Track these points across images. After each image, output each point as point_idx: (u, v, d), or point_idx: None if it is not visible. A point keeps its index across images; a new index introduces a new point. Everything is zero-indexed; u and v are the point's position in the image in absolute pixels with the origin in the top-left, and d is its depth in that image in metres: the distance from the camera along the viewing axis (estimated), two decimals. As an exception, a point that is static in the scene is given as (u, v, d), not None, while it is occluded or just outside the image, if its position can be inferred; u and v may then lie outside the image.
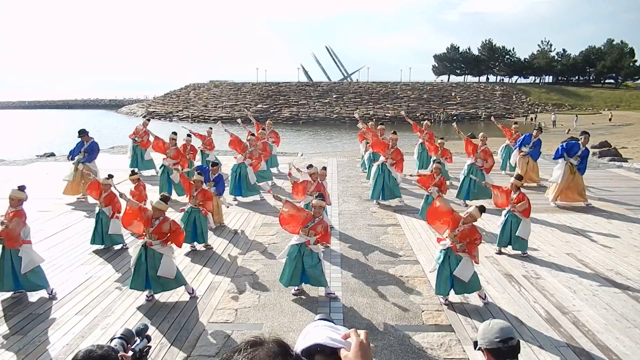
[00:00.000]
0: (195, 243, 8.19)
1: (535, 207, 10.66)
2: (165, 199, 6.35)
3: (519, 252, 7.87)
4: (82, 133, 11.34)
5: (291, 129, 47.29)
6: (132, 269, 6.18)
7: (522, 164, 12.86)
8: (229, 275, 7.06)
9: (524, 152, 12.79)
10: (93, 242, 8.02)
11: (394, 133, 11.31)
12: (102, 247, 8.05)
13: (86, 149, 11.25)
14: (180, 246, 6.71)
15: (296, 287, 6.41)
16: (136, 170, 9.49)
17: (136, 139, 13.96)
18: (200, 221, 8.03)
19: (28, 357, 4.92)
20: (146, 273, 6.07)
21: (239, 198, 11.31)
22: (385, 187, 10.78)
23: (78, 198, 11.18)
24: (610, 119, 46.36)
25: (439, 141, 12.76)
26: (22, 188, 6.39)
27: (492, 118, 18.28)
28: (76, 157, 11.22)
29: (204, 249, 8.18)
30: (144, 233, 6.21)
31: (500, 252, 7.98)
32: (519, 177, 8.12)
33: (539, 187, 12.53)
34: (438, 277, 6.09)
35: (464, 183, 10.90)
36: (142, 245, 6.14)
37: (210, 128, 14.12)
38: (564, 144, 11.10)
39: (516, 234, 7.78)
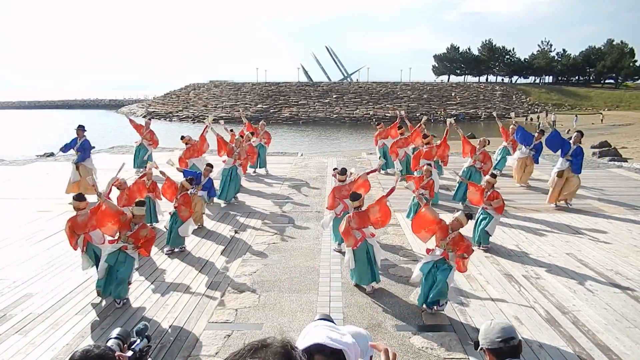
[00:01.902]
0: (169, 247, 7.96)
1: (536, 207, 10.72)
2: (141, 204, 6.35)
3: (481, 245, 8.06)
4: (80, 128, 11.45)
5: (292, 129, 47.27)
6: (99, 271, 6.10)
7: (521, 164, 12.79)
8: (229, 275, 7.06)
9: (526, 150, 12.54)
10: None
11: (425, 136, 11.80)
12: None
13: (78, 148, 11.32)
14: (148, 255, 6.56)
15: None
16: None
17: (144, 142, 14.20)
18: (177, 225, 7.85)
19: (28, 357, 4.91)
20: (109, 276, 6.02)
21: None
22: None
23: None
24: (602, 120, 46.13)
25: (438, 142, 12.76)
26: (79, 197, 6.49)
27: (494, 113, 18.39)
28: (72, 158, 11.39)
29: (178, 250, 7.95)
30: (119, 236, 6.14)
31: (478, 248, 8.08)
32: (493, 175, 8.31)
33: (537, 189, 12.49)
34: (423, 288, 5.96)
35: (461, 186, 10.61)
36: (118, 249, 6.06)
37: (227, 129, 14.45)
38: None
39: (484, 229, 8.01)
